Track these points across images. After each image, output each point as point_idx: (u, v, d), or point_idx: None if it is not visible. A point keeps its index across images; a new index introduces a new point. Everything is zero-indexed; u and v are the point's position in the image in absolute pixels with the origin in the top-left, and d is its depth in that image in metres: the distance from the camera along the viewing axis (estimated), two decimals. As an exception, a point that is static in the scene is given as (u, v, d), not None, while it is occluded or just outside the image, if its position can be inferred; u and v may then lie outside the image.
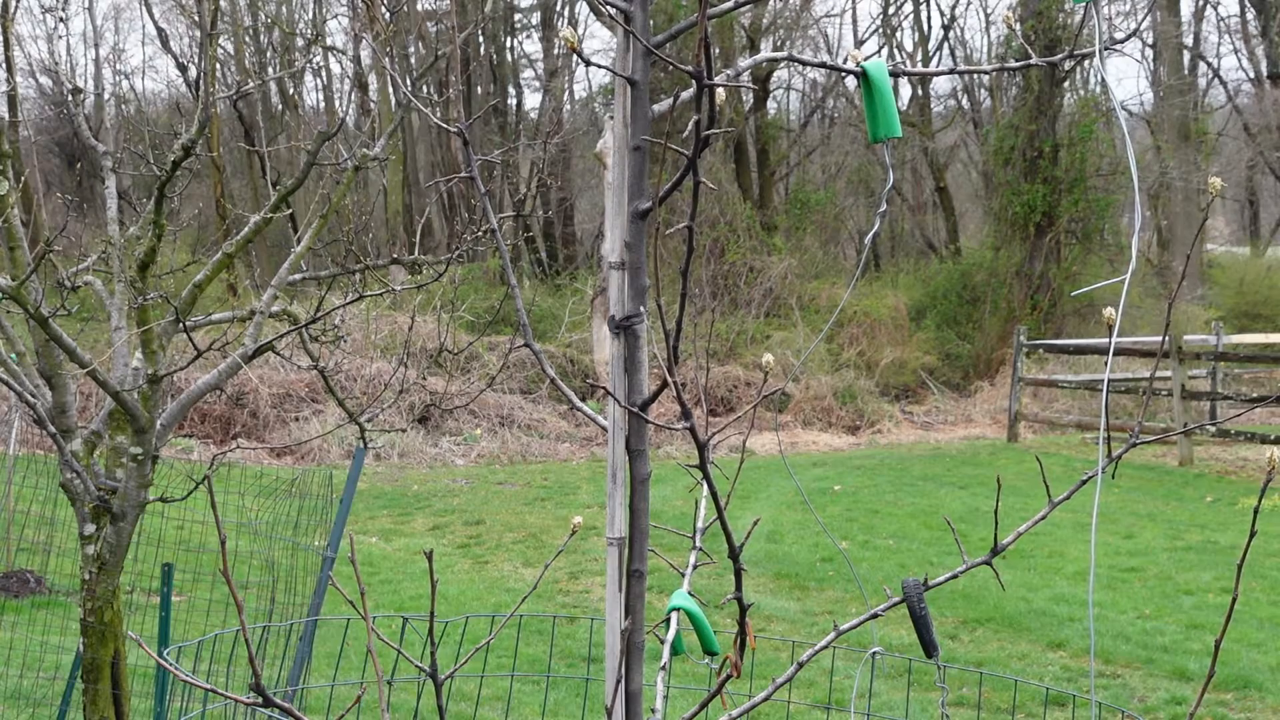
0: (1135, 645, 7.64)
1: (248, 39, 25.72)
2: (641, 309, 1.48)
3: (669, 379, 1.28)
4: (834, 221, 24.63)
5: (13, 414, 9.40)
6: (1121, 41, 2.14)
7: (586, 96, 28.44)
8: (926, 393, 19.71)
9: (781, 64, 25.03)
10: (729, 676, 1.50)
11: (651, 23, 1.48)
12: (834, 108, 28.80)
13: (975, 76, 26.20)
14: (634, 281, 1.45)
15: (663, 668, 1.72)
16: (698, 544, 1.80)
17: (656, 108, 1.49)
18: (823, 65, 1.66)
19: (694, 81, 1.29)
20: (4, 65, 4.43)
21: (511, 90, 28.33)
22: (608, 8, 1.42)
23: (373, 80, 24.57)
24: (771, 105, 27.13)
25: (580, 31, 26.27)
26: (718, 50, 21.71)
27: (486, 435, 16.00)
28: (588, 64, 1.33)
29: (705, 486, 1.44)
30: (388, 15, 5.63)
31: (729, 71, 1.59)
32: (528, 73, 29.22)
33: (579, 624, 7.84)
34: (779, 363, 17.70)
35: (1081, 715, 6.12)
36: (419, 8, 24.70)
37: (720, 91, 1.38)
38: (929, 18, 35.51)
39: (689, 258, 1.37)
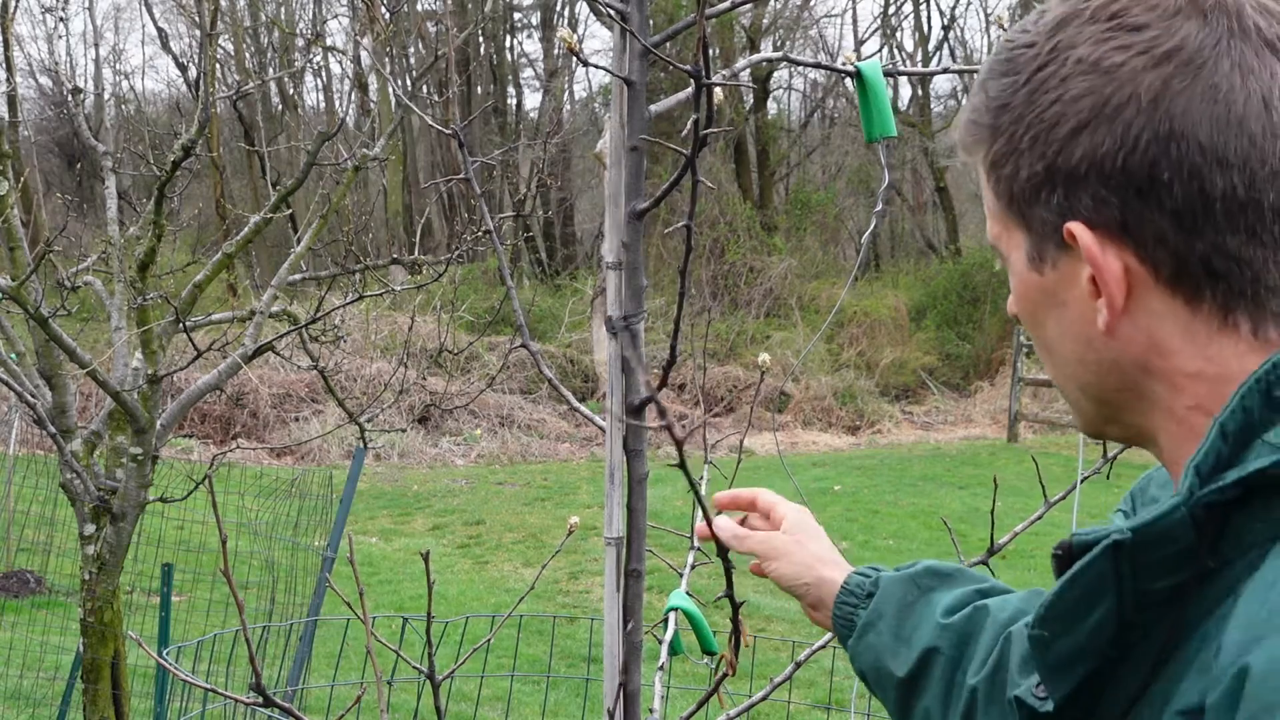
0: (1135, 645, 7.64)
1: (248, 39, 25.72)
2: (641, 309, 1.48)
3: (652, 387, 1.29)
4: (834, 221, 24.63)
5: (13, 414, 9.40)
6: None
7: (586, 96, 28.47)
8: (926, 393, 19.71)
9: (779, 64, 25.03)
10: (725, 675, 1.50)
11: (651, 22, 1.48)
12: (834, 108, 28.81)
13: (975, 76, 26.15)
14: (631, 281, 1.46)
15: (661, 668, 1.73)
16: (696, 544, 1.80)
17: (654, 108, 1.49)
18: (817, 65, 1.66)
19: (692, 81, 1.30)
20: (4, 65, 4.43)
21: (511, 90, 28.35)
22: (605, 7, 1.42)
23: (373, 80, 24.57)
24: (772, 105, 27.15)
25: (580, 31, 26.28)
26: (717, 50, 21.72)
27: (486, 435, 16.00)
28: (585, 64, 1.33)
29: (693, 491, 1.44)
30: (388, 15, 5.63)
31: (725, 72, 1.60)
32: (528, 73, 29.25)
33: (579, 624, 7.84)
34: (779, 363, 17.70)
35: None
36: (419, 8, 24.70)
37: (719, 91, 1.38)
38: (929, 18, 35.50)
39: (687, 257, 1.37)
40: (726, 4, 1.56)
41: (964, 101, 1.05)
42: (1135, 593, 0.86)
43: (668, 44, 1.51)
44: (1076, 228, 0.90)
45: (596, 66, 1.40)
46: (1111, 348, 0.92)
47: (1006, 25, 1.80)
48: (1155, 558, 0.85)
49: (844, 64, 1.55)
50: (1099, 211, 0.89)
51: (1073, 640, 0.90)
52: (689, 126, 1.32)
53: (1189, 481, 0.84)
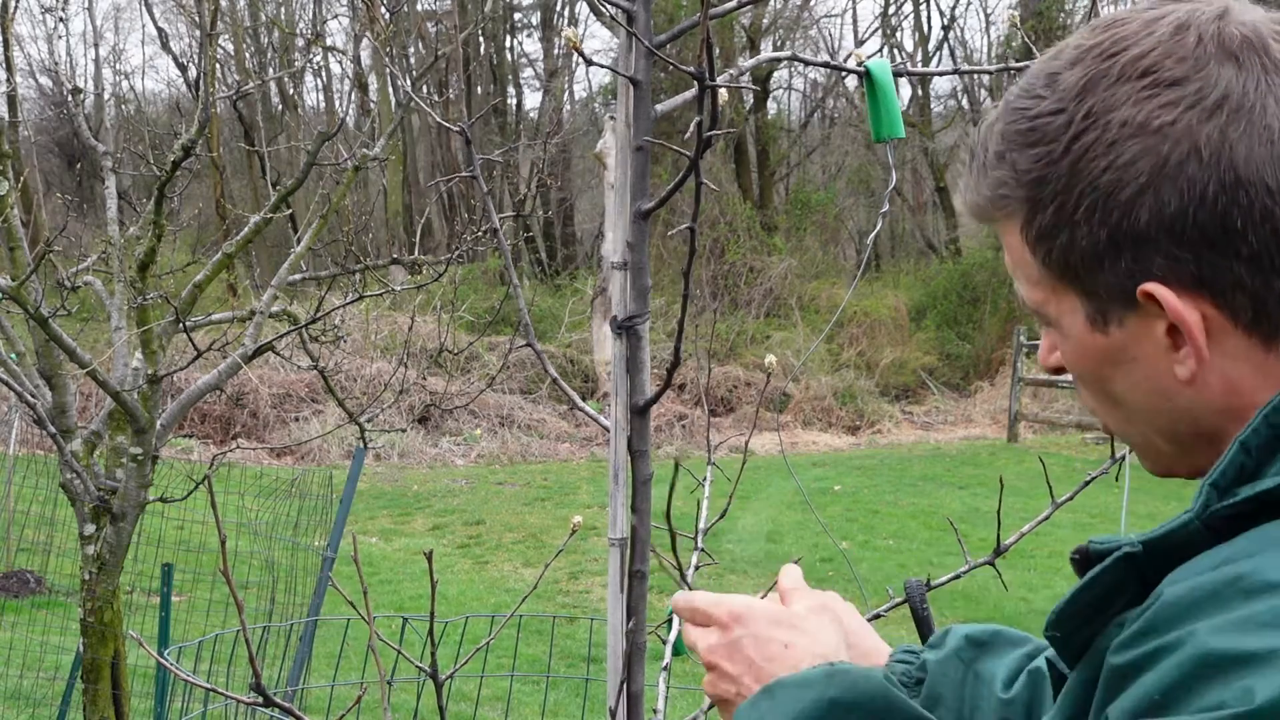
0: (1135, 645, 7.63)
1: (248, 39, 25.71)
2: (646, 309, 1.47)
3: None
4: (834, 221, 24.62)
5: (13, 414, 9.40)
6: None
7: (586, 96, 28.47)
8: (926, 393, 19.70)
9: (783, 64, 25.02)
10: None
11: (652, 23, 1.48)
12: (834, 108, 28.80)
13: (975, 76, 26.20)
14: (636, 281, 1.45)
15: (665, 668, 1.72)
16: (699, 544, 1.80)
17: (659, 107, 1.48)
18: (825, 65, 1.65)
19: (695, 82, 1.29)
20: (4, 65, 4.42)
21: (511, 90, 28.34)
22: (609, 8, 1.42)
23: (373, 80, 24.58)
24: (772, 105, 27.15)
25: (580, 31, 26.27)
26: (718, 51, 21.69)
27: (486, 435, 15.99)
28: (589, 64, 1.33)
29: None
30: (388, 15, 5.63)
31: (730, 71, 1.59)
32: (528, 72, 29.25)
33: (579, 624, 7.84)
34: (780, 363, 17.67)
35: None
36: (419, 8, 24.70)
37: (723, 92, 1.38)
38: (929, 18, 35.48)
39: (690, 259, 1.36)
40: (732, 3, 1.56)
41: (964, 101, 1.04)
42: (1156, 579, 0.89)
43: (669, 44, 1.50)
44: (1155, 289, 0.90)
45: (602, 66, 1.40)
46: (1188, 396, 0.93)
47: (1019, 23, 1.80)
48: (1168, 563, 0.87)
49: (852, 62, 1.55)
50: (1173, 269, 0.89)
51: (1089, 631, 0.92)
52: (692, 128, 1.32)
53: (1203, 498, 0.87)
